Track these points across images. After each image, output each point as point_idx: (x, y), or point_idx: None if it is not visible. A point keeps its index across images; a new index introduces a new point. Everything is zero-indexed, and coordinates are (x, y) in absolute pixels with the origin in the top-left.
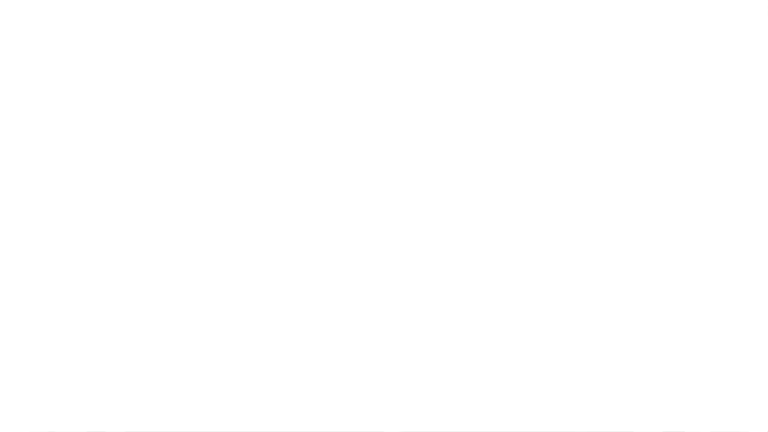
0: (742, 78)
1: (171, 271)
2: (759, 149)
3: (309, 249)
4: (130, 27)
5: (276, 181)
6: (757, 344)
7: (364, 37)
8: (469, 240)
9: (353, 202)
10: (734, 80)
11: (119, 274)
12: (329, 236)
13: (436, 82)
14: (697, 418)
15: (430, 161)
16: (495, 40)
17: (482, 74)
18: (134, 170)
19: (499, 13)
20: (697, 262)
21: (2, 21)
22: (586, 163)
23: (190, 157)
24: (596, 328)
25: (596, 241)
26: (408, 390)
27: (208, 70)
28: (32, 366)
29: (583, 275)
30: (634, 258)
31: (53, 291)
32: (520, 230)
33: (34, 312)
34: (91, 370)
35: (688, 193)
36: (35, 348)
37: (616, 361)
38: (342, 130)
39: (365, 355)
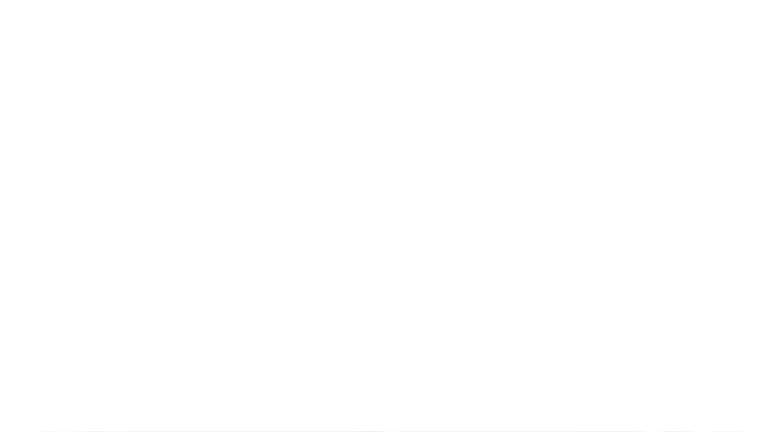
0: (742, 78)
1: (171, 271)
2: (759, 149)
3: (309, 249)
4: (130, 27)
5: (276, 181)
6: (757, 344)
7: (364, 37)
8: (469, 240)
9: (353, 202)
10: (734, 80)
11: (119, 274)
12: (329, 236)
13: (436, 82)
14: (697, 418)
15: (430, 161)
16: (495, 40)
17: (482, 74)
18: (134, 170)
19: (499, 13)
20: (697, 262)
21: (2, 21)
22: (586, 163)
23: (190, 157)
24: (596, 328)
25: (596, 241)
26: (408, 390)
27: (208, 70)
28: (32, 366)
29: (583, 275)
30: (634, 258)
31: (53, 291)
32: (520, 230)
33: (34, 312)
34: (91, 370)
35: (688, 193)
36: (35, 348)
37: (616, 361)
38: (342, 130)
39: (365, 355)
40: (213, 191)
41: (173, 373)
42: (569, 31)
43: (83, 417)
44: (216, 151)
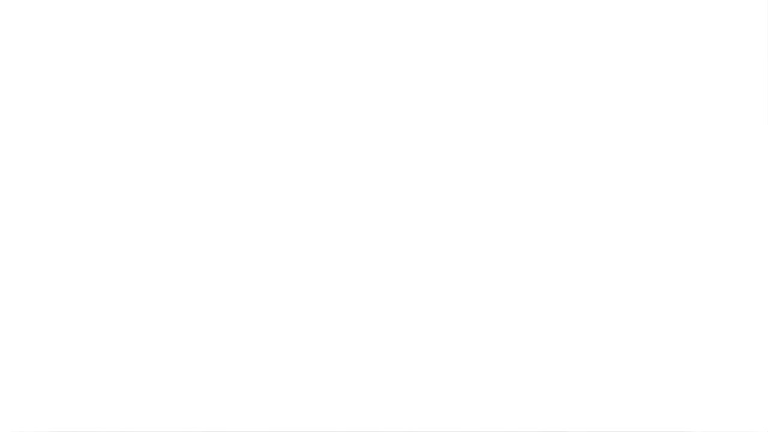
0: (742, 78)
1: (171, 271)
2: (759, 149)
3: (308, 249)
4: (130, 27)
5: (276, 181)
6: (757, 344)
7: (364, 37)
8: (469, 240)
9: (353, 202)
10: (734, 80)
11: (119, 274)
12: (328, 236)
13: (436, 82)
14: (698, 418)
15: (430, 161)
16: (495, 40)
17: (482, 74)
18: (134, 170)
19: (499, 13)
20: (697, 262)
21: (2, 21)
22: (586, 163)
23: (190, 157)
24: (596, 328)
25: (596, 241)
26: (408, 390)
27: (207, 70)
28: (32, 366)
29: (583, 275)
30: (634, 258)
31: (53, 291)
32: (520, 230)
33: (34, 312)
34: (91, 370)
35: (688, 194)
36: (35, 348)
37: (616, 361)
38: (342, 130)
39: (365, 355)
40: (213, 191)
41: (173, 373)
42: (569, 31)
43: (83, 417)
44: (216, 151)
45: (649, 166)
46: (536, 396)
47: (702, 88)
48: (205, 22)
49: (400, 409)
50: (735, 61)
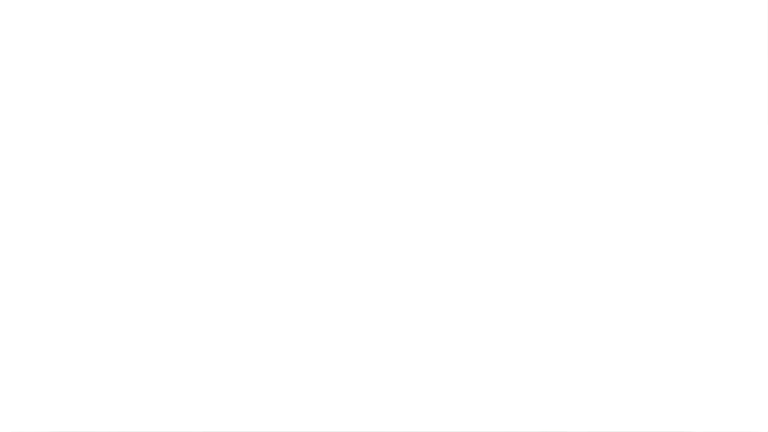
0: (742, 78)
1: (171, 271)
2: (759, 149)
3: (309, 249)
4: (130, 27)
5: (276, 181)
6: (758, 344)
7: (364, 37)
8: (469, 240)
9: (353, 202)
10: (734, 80)
11: (119, 275)
12: (328, 236)
13: (436, 82)
14: (698, 418)
15: (430, 161)
16: (495, 40)
17: (482, 74)
18: (134, 170)
19: (499, 13)
20: (697, 262)
21: (2, 21)
22: (586, 163)
23: (190, 157)
24: (596, 328)
25: (596, 241)
26: (408, 390)
27: (207, 70)
28: (32, 366)
29: (583, 275)
30: (634, 258)
31: (53, 291)
32: (520, 230)
33: (34, 312)
34: (91, 370)
35: (688, 194)
36: (35, 348)
37: (616, 361)
38: (342, 130)
39: (365, 355)
40: (213, 191)
41: (173, 373)
42: (569, 31)
43: (83, 417)
44: (215, 151)
45: (649, 166)
46: (536, 396)
47: (702, 88)
48: (205, 22)
49: (401, 410)
50: (735, 61)
